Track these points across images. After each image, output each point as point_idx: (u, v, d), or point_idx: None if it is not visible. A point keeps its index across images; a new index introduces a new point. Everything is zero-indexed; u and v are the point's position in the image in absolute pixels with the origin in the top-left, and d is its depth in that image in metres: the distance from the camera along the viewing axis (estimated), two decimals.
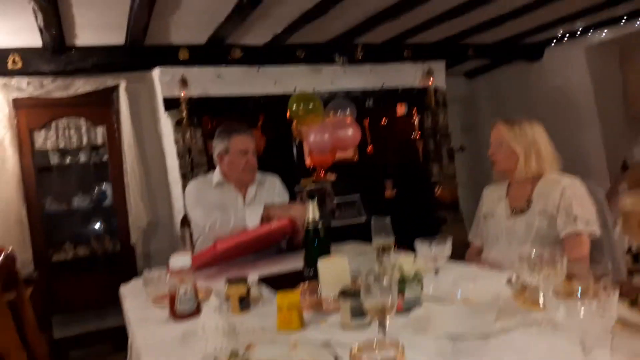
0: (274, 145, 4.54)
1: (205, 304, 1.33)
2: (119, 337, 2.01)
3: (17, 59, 3.33)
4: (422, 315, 1.27)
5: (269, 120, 4.60)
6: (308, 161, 5.01)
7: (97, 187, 4.04)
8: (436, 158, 4.86)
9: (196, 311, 1.54)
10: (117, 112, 3.95)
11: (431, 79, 4.69)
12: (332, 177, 4.92)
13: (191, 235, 2.74)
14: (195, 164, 3.97)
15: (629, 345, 1.01)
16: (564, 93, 5.12)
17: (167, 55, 3.84)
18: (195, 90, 3.91)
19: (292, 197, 4.17)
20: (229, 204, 2.61)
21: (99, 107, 3.91)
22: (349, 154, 5.21)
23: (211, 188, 2.64)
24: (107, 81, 3.84)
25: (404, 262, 1.40)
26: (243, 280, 1.56)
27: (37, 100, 3.67)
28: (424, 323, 1.21)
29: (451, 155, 4.93)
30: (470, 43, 4.75)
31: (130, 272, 3.91)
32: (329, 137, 4.10)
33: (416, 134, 4.80)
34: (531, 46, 5.11)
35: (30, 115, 3.72)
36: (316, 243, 1.77)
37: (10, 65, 3.33)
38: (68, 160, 3.92)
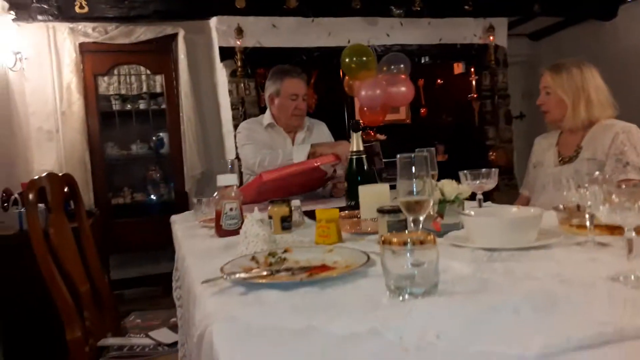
0: (325, 104, 4.54)
1: (247, 216, 1.37)
2: (170, 281, 2.12)
3: (83, 3, 3.47)
4: (460, 235, 1.25)
5: (322, 78, 4.59)
6: (361, 121, 4.99)
7: (155, 135, 4.20)
8: (493, 121, 4.70)
9: (241, 229, 1.59)
10: (176, 61, 4.06)
11: (491, 36, 4.50)
12: (382, 137, 4.87)
13: (241, 174, 2.81)
14: (248, 115, 4.03)
15: None
16: (637, 54, 4.78)
17: (225, 4, 3.88)
18: (250, 40, 3.94)
19: None
20: (277, 145, 2.65)
21: (159, 55, 4.03)
22: (402, 115, 5.14)
23: (262, 128, 2.68)
24: (166, 29, 3.94)
25: (447, 184, 1.37)
26: (286, 201, 1.59)
27: (101, 46, 3.83)
28: (462, 240, 1.19)
29: (509, 118, 4.74)
30: None
31: None
32: (381, 93, 4.04)
33: (473, 95, 4.64)
34: (603, 2, 4.77)
35: (95, 60, 3.89)
36: (359, 175, 1.77)
37: (77, 9, 3.47)
38: (128, 106, 4.09)
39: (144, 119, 4.16)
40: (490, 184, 1.53)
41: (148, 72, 4.07)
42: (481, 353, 0.60)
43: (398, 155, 1.00)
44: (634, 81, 4.86)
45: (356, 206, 1.70)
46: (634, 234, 0.83)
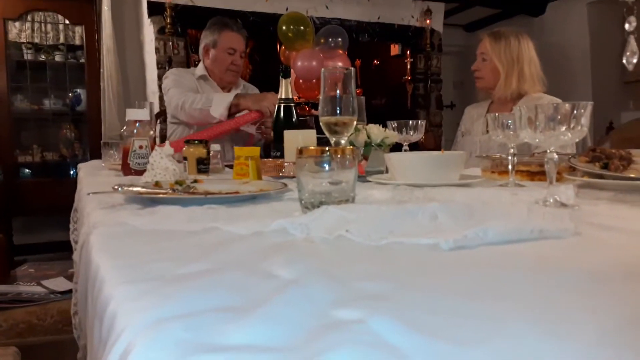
0: (260, 76, 4.41)
1: (156, 148, 1.25)
2: None
3: None
4: (384, 177, 1.20)
5: (257, 48, 4.45)
6: (295, 97, 4.90)
7: (71, 91, 3.88)
8: (424, 104, 4.77)
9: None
10: (99, 13, 3.76)
11: (428, 19, 4.55)
12: (316, 112, 4.81)
13: (165, 132, 2.64)
14: None
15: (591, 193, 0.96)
16: (560, 50, 5.02)
17: None
18: None
19: None
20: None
21: (79, 4, 3.71)
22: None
23: (193, 78, 2.52)
24: None
25: (373, 128, 1.32)
26: (204, 142, 1.47)
27: None
28: (385, 179, 1.14)
29: (439, 103, 4.84)
30: None
31: None
32: (317, 65, 3.97)
33: (407, 77, 4.69)
34: None
35: (6, 2, 3.51)
36: (287, 124, 1.68)
37: None
38: (42, 57, 3.75)
39: (59, 73, 3.82)
40: (417, 136, 1.50)
41: (67, 21, 3.73)
42: (393, 243, 0.54)
43: (322, 69, 0.92)
44: (556, 77, 5.12)
45: (282, 156, 1.62)
46: (555, 156, 0.81)
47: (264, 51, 4.55)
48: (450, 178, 1.07)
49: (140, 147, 1.44)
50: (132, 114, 1.45)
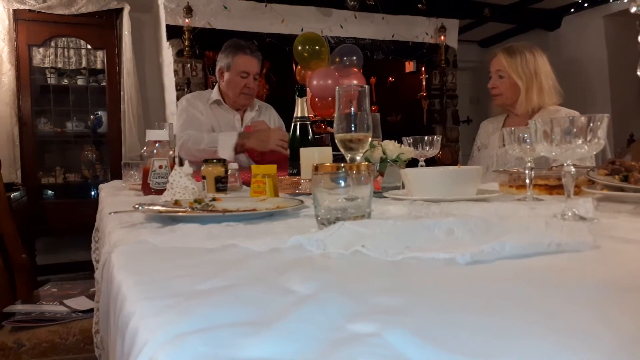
0: (277, 95, 4.47)
1: (176, 167, 1.27)
2: None
3: None
4: (400, 193, 1.20)
5: (273, 69, 4.52)
6: (311, 115, 4.94)
7: (93, 114, 3.97)
8: (440, 120, 4.76)
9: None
10: (119, 38, 3.87)
11: (443, 36, 4.57)
12: (332, 130, 4.84)
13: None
14: None
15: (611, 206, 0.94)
16: (578, 64, 4.99)
17: None
18: (200, 20, 3.81)
19: None
20: (223, 123, 2.54)
21: (101, 30, 3.82)
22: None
23: (206, 105, 2.56)
24: (110, 3, 3.75)
25: (389, 144, 1.32)
26: (222, 160, 1.49)
27: (38, 15, 3.59)
28: (401, 195, 1.14)
29: (456, 118, 4.83)
30: (487, 2, 4.61)
31: None
32: (333, 84, 4.01)
33: (422, 93, 4.69)
34: (549, 13, 4.97)
35: (30, 30, 3.64)
36: (302, 142, 1.69)
37: None
38: (65, 81, 3.85)
39: (81, 96, 3.92)
40: (432, 151, 1.50)
41: (89, 46, 3.84)
42: (410, 258, 0.54)
43: (337, 87, 0.93)
44: (574, 91, 5.07)
45: (298, 173, 1.63)
46: (573, 169, 0.80)
47: (280, 71, 4.62)
48: (467, 193, 1.07)
49: (160, 167, 1.47)
50: (152, 134, 1.48)
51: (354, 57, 4.03)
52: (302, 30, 4.09)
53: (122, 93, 3.89)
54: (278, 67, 4.56)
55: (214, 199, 1.10)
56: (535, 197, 1.08)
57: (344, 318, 0.33)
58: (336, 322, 0.33)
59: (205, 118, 2.53)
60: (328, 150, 1.45)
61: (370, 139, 0.95)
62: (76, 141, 3.95)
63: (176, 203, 1.04)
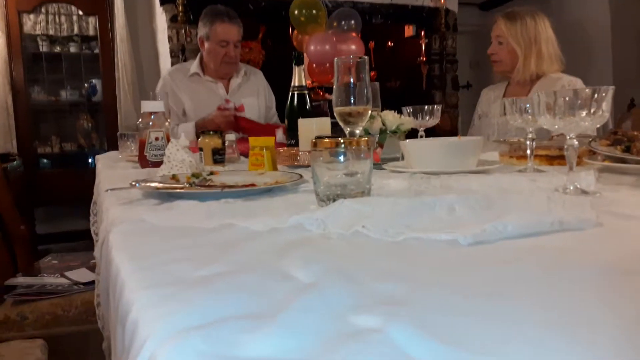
0: (273, 61, 4.39)
1: (172, 140, 1.25)
2: None
3: None
4: (400, 164, 1.19)
5: (270, 34, 4.42)
6: (308, 82, 4.86)
7: (87, 82, 3.91)
8: (440, 85, 4.70)
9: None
10: (111, 3, 3.76)
11: (443, 0, 4.46)
12: (330, 97, 4.78)
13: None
14: None
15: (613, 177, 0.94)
16: (579, 28, 4.90)
17: None
18: None
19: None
20: (205, 94, 2.50)
21: None
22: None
23: (185, 78, 2.51)
24: None
25: (388, 114, 1.31)
26: (218, 132, 1.48)
27: None
28: (401, 167, 1.13)
29: (455, 83, 4.77)
30: None
31: None
32: (330, 49, 3.93)
33: (422, 58, 4.62)
34: None
35: None
36: (300, 112, 1.67)
37: None
38: (57, 48, 3.77)
39: (74, 64, 3.84)
40: (433, 121, 1.48)
41: (80, 12, 3.74)
42: (411, 239, 0.54)
43: (335, 59, 0.91)
44: (575, 55, 5.00)
45: (296, 144, 1.62)
46: (575, 142, 0.79)
47: (276, 36, 4.52)
48: (467, 164, 1.06)
49: (156, 138, 1.45)
50: (147, 106, 1.45)
51: (352, 22, 3.94)
52: None
53: (115, 60, 3.82)
54: (275, 32, 4.46)
55: (211, 173, 1.09)
56: (536, 168, 1.07)
57: (346, 309, 0.33)
58: (338, 314, 0.32)
59: (185, 92, 2.49)
60: (326, 121, 1.43)
61: (370, 112, 0.93)
62: (71, 110, 3.90)
63: (174, 177, 1.03)
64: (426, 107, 1.50)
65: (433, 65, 4.67)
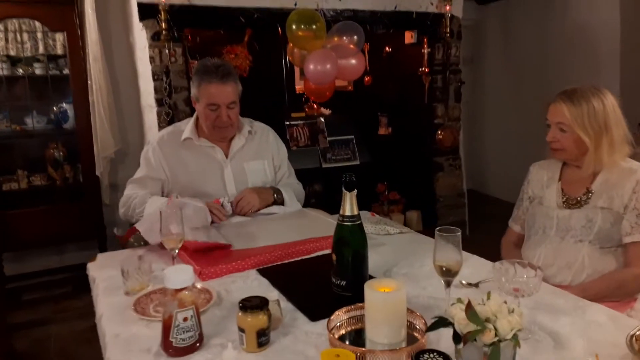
0: (261, 67, 3.97)
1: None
2: (80, 278, 1.74)
3: None
4: None
5: (258, 36, 3.99)
6: (299, 87, 4.46)
7: (55, 106, 3.43)
8: (442, 98, 4.39)
9: (197, 343, 1.15)
10: (81, 17, 3.26)
11: (448, 5, 4.10)
12: (326, 111, 4.42)
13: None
14: (173, 87, 3.39)
15: None
16: (586, 31, 4.65)
17: None
18: None
19: (280, 131, 3.70)
20: (203, 161, 2.16)
21: (59, 9, 3.20)
22: (343, 82, 4.68)
23: (177, 145, 2.15)
24: None
25: (498, 311, 1.00)
26: (261, 302, 1.15)
27: None
28: None
29: (458, 95, 4.47)
30: None
31: (94, 204, 3.46)
32: (332, 68, 3.56)
33: (424, 69, 4.27)
34: None
35: None
36: (354, 245, 1.35)
37: None
38: (20, 71, 3.27)
39: (41, 87, 3.35)
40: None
41: (45, 28, 3.23)
42: None
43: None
44: (576, 63, 4.76)
45: (347, 288, 1.33)
46: None
47: (263, 39, 4.09)
48: None
49: (185, 319, 1.12)
50: (173, 281, 1.11)
51: (355, 37, 3.56)
52: (295, 4, 3.56)
53: (89, 82, 3.35)
54: (262, 35, 4.02)
55: None
56: None
57: None
58: None
59: (176, 164, 2.13)
60: (401, 296, 1.12)
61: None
62: (39, 138, 3.43)
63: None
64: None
65: (435, 76, 4.34)
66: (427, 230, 4.48)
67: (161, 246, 1.64)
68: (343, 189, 1.34)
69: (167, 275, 1.12)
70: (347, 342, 1.16)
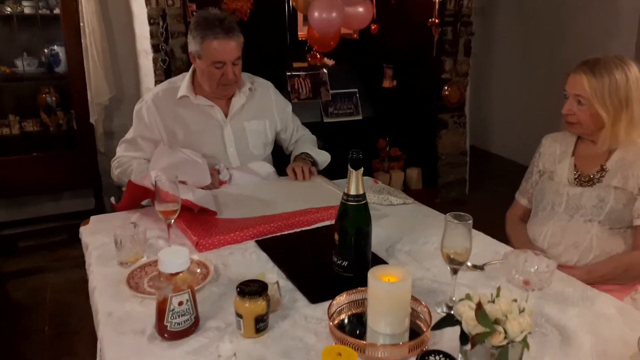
0: (262, 11, 3.76)
1: None
2: (75, 227, 1.71)
3: None
4: None
5: None
6: (302, 34, 4.26)
7: (47, 49, 3.27)
8: (452, 51, 4.22)
9: (193, 327, 1.11)
10: None
11: None
12: (330, 62, 4.23)
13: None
14: (170, 32, 3.22)
15: None
16: None
17: None
18: None
19: (281, 82, 3.56)
20: (201, 121, 2.06)
21: None
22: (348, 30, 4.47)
23: (173, 103, 2.04)
24: None
25: (507, 311, 0.95)
26: (260, 287, 1.10)
27: None
28: None
29: (468, 49, 4.29)
30: None
31: (89, 152, 3.37)
32: (337, 17, 3.38)
33: (434, 20, 4.06)
34: None
35: None
36: (357, 226, 1.29)
37: None
38: (8, 9, 3.08)
39: (31, 27, 3.17)
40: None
41: None
42: None
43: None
44: (591, 23, 4.55)
45: (348, 269, 1.28)
46: None
47: None
48: None
49: (180, 303, 1.07)
50: (168, 265, 1.05)
51: None
52: None
53: (81, 24, 3.17)
54: None
55: None
56: None
57: None
58: None
59: (173, 123, 2.03)
60: (406, 286, 1.07)
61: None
62: (30, 82, 3.29)
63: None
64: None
65: (446, 28, 4.14)
66: (427, 189, 4.43)
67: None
68: (349, 166, 1.26)
69: (162, 259, 1.06)
70: (346, 330, 1.13)
